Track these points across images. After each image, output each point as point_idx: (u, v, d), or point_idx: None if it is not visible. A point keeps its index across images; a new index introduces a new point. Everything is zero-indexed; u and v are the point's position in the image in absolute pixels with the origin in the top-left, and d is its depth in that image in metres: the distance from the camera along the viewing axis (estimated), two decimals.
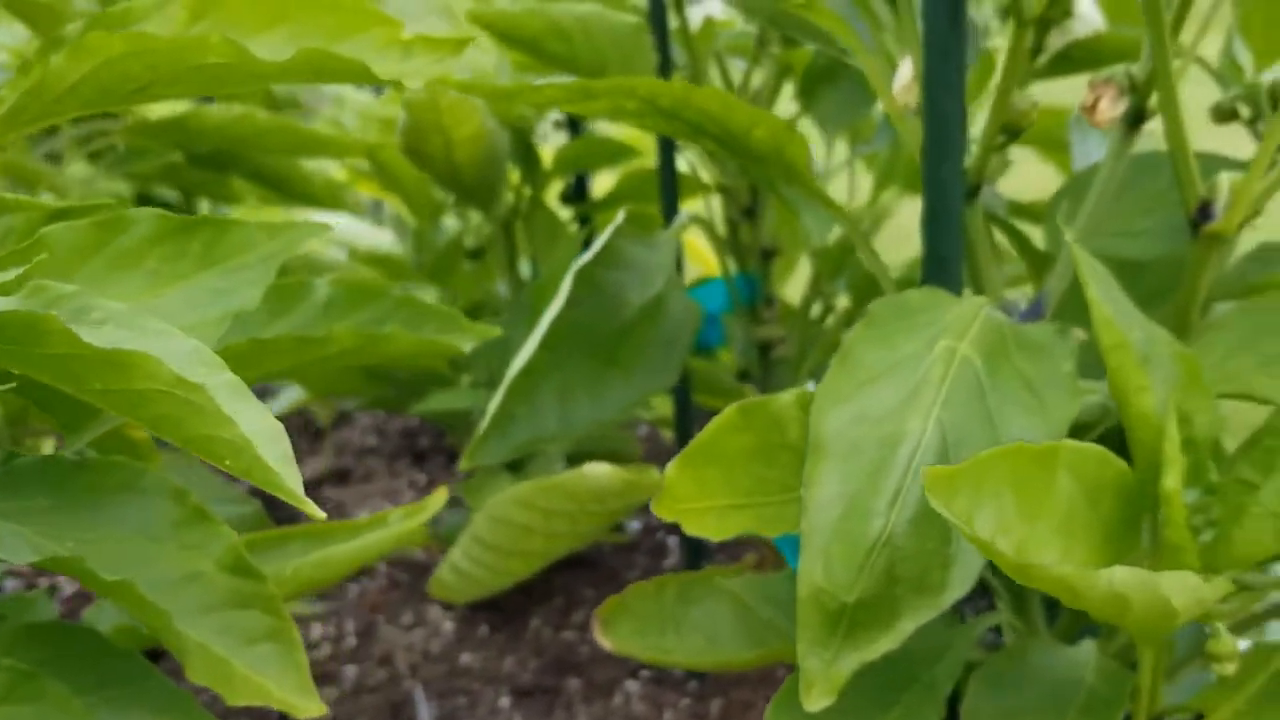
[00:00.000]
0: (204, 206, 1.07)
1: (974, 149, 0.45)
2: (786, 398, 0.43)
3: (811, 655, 0.35)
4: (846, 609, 0.35)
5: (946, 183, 0.43)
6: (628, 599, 0.52)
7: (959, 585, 0.34)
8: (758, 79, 0.77)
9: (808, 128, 0.82)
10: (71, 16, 0.63)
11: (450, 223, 0.96)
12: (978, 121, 0.48)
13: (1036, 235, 0.55)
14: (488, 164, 0.73)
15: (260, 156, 0.75)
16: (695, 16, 0.71)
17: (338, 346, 0.44)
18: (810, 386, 0.41)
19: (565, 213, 0.91)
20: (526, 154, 0.86)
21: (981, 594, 0.71)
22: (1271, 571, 0.44)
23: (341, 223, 1.04)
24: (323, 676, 0.83)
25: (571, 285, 0.57)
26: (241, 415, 0.26)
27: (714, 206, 0.79)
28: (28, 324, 0.27)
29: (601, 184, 0.96)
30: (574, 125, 0.89)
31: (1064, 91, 0.63)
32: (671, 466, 0.41)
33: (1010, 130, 0.44)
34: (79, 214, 0.39)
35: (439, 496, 0.53)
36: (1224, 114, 0.49)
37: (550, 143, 0.92)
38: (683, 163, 0.79)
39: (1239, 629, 0.51)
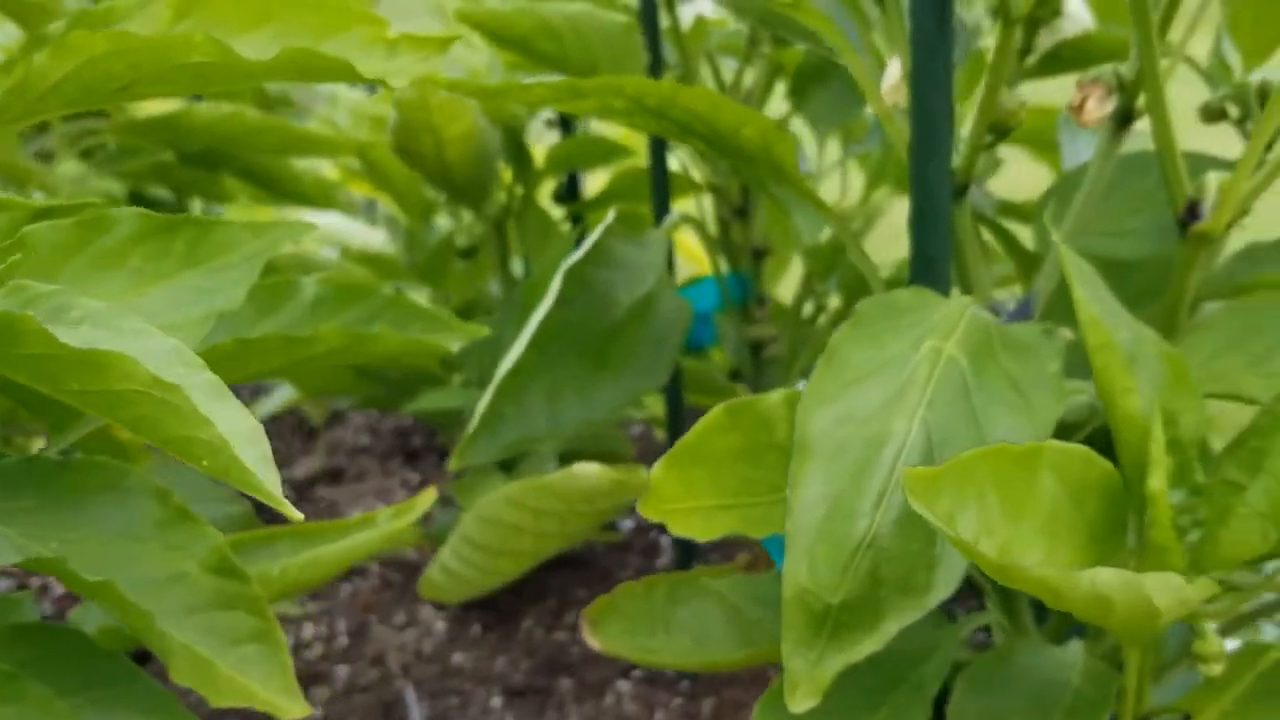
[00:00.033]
0: (196, 205, 1.07)
1: (962, 148, 0.45)
2: (774, 398, 0.43)
3: (796, 656, 0.35)
4: (831, 610, 0.35)
5: (933, 182, 0.42)
6: (616, 599, 0.52)
7: (944, 586, 0.34)
8: (749, 78, 0.77)
9: (800, 127, 0.82)
10: (62, 15, 0.63)
11: (443, 222, 0.96)
12: (968, 121, 0.48)
13: (1027, 235, 0.55)
14: (479, 163, 0.73)
15: (251, 155, 0.75)
16: (686, 16, 0.71)
17: (324, 346, 0.44)
18: (801, 386, 0.41)
19: (558, 212, 0.91)
20: (518, 153, 0.85)
21: (974, 594, 0.71)
22: (1264, 571, 0.44)
23: (334, 222, 1.03)
24: (314, 676, 0.83)
25: (561, 284, 0.57)
26: (219, 415, 0.26)
27: (705, 206, 0.79)
28: (4, 324, 0.27)
29: (595, 183, 0.96)
30: (566, 124, 0.89)
31: (1055, 91, 0.63)
32: (658, 467, 0.41)
33: (998, 130, 0.44)
34: (63, 213, 0.39)
35: (427, 497, 0.52)
36: (1213, 114, 0.49)
37: (544, 142, 0.91)
38: (675, 162, 0.79)
39: (1229, 629, 0.51)
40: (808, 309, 0.79)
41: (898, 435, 0.36)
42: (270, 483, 0.26)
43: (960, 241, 0.46)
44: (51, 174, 0.77)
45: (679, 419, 0.75)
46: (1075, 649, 0.43)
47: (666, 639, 0.52)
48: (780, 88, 0.79)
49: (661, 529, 1.02)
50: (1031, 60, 0.52)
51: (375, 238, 1.03)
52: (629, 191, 0.86)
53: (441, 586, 0.68)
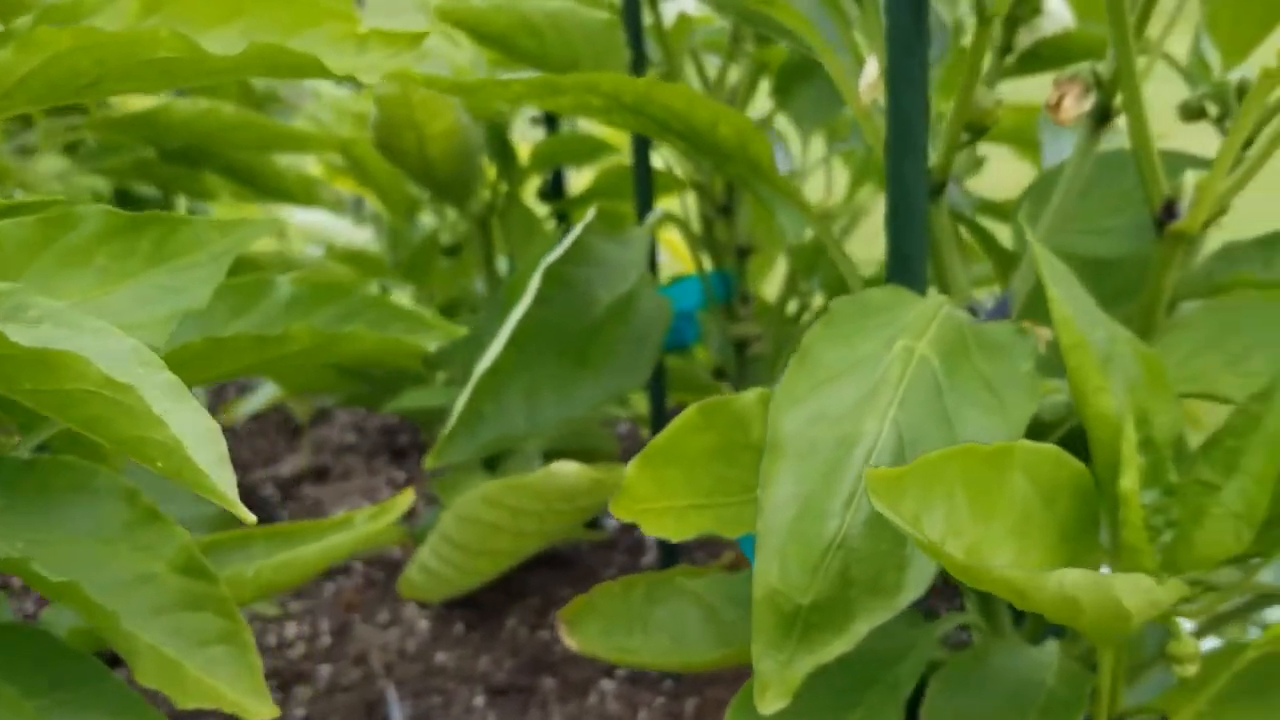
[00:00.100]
0: (181, 202, 1.06)
1: (938, 147, 0.45)
2: (749, 397, 0.43)
3: (766, 657, 0.34)
4: (801, 611, 0.34)
5: (909, 180, 0.42)
6: (594, 599, 0.51)
7: (914, 587, 0.34)
8: (734, 76, 0.76)
9: (785, 125, 0.82)
10: (34, 9, 0.63)
11: (428, 219, 0.96)
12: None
13: (1007, 234, 0.55)
14: (461, 159, 0.73)
15: (231, 152, 0.75)
16: (670, 13, 0.71)
17: (297, 345, 0.44)
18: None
19: (543, 209, 0.91)
20: (503, 150, 0.85)
21: (957, 592, 0.71)
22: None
23: (319, 219, 1.03)
24: (297, 676, 0.82)
25: (540, 283, 0.57)
26: (174, 416, 0.26)
27: (690, 203, 0.79)
28: None
29: (581, 181, 0.96)
30: (551, 121, 0.89)
31: (1039, 89, 0.63)
32: (631, 466, 0.40)
33: (975, 128, 0.44)
34: (29, 210, 0.38)
35: (404, 498, 0.52)
36: (1191, 112, 0.49)
37: (529, 139, 0.91)
38: (659, 160, 0.79)
39: (1209, 628, 0.51)
40: (792, 307, 0.79)
41: (869, 435, 0.36)
42: (224, 484, 0.25)
43: (937, 240, 0.45)
44: (31, 170, 0.76)
45: (662, 418, 0.75)
46: (1051, 649, 0.42)
47: (644, 639, 0.51)
48: (765, 85, 0.79)
49: None
50: (1011, 59, 0.52)
51: (360, 235, 1.03)
52: (614, 189, 0.86)
53: (421, 586, 0.68)
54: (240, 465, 1.13)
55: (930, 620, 0.47)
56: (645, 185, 0.72)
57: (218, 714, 0.38)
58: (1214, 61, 0.49)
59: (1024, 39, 0.51)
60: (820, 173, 0.81)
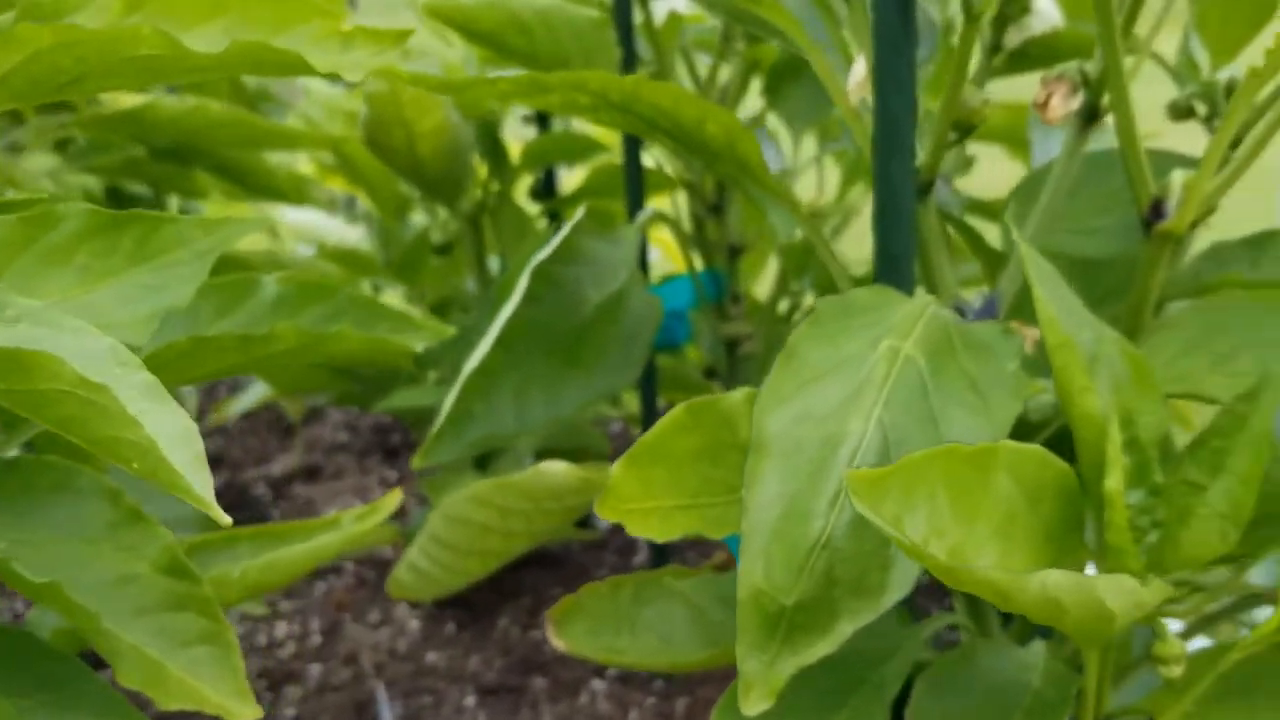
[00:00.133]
0: (174, 201, 1.06)
1: (926, 146, 0.45)
2: (736, 396, 0.43)
3: (750, 658, 0.34)
4: (786, 611, 0.34)
5: (896, 180, 0.42)
6: (582, 599, 0.51)
7: (898, 588, 0.34)
8: (725, 75, 0.76)
9: (776, 124, 0.81)
10: (16, 5, 0.62)
11: (419, 218, 0.96)
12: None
13: (996, 234, 0.55)
14: (451, 158, 0.73)
15: (221, 150, 0.75)
16: (660, 11, 0.71)
17: (282, 345, 0.44)
18: None
19: (535, 208, 0.91)
20: (494, 148, 0.85)
21: (945, 593, 0.71)
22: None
23: (311, 218, 1.03)
24: (287, 675, 0.82)
25: (529, 282, 0.57)
26: (151, 416, 0.26)
27: (681, 202, 0.79)
28: None
29: (574, 180, 0.95)
30: (543, 120, 0.88)
31: (1032, 88, 0.63)
32: (616, 466, 0.40)
33: (962, 127, 0.44)
34: (11, 208, 0.38)
35: (392, 497, 0.52)
36: (1180, 112, 0.49)
37: (522, 138, 0.91)
38: (651, 159, 0.79)
39: (1199, 628, 0.51)
40: (783, 306, 0.79)
41: (853, 435, 0.35)
42: (200, 485, 0.25)
43: (925, 240, 0.45)
44: (20, 168, 0.76)
45: (653, 417, 0.75)
46: (1038, 650, 0.42)
47: (632, 639, 0.51)
48: (757, 84, 0.79)
49: None
50: (1000, 58, 0.52)
51: (353, 234, 1.02)
52: (606, 188, 0.86)
53: (409, 586, 0.68)
54: (232, 464, 1.13)
55: (918, 621, 0.47)
56: (636, 184, 0.71)
57: (200, 716, 0.37)
58: (1202, 61, 0.49)
59: (1013, 38, 0.51)
60: (812, 172, 0.81)
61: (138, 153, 0.81)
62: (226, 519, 0.26)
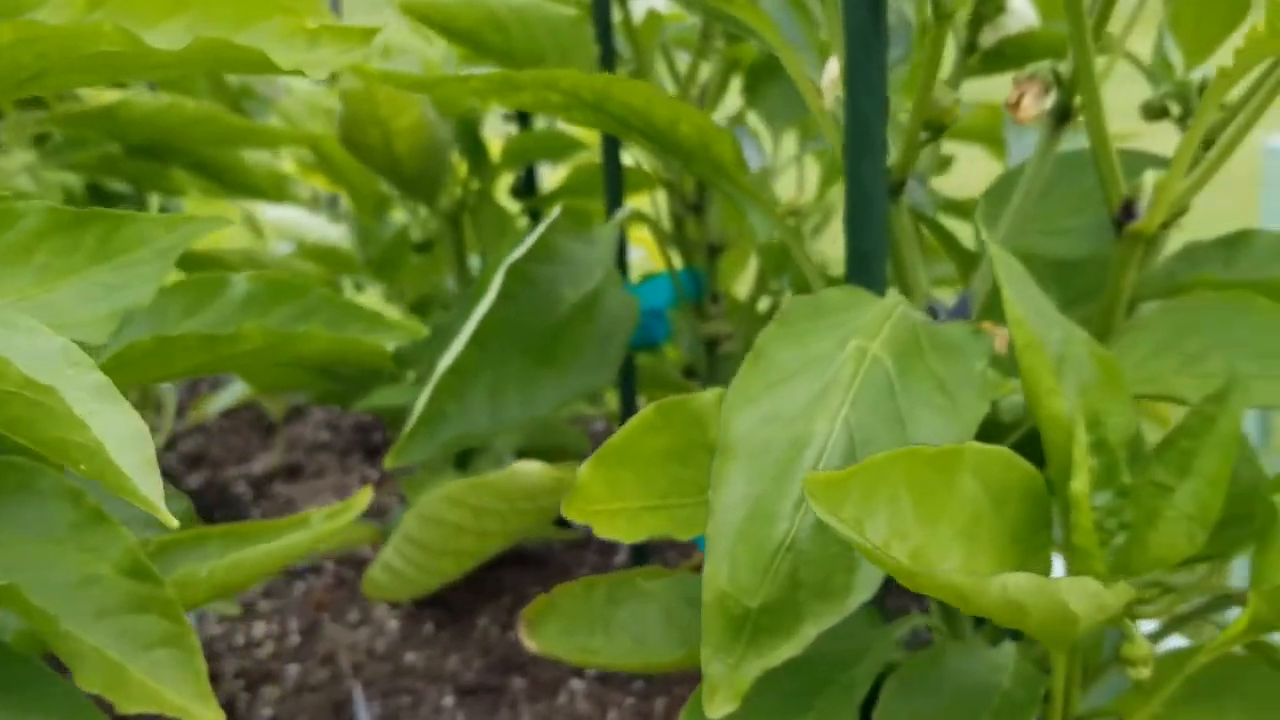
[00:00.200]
0: (154, 199, 1.05)
1: (897, 145, 0.45)
2: (707, 396, 0.43)
3: (715, 661, 0.34)
4: (750, 614, 0.34)
5: (867, 180, 0.42)
6: (555, 599, 0.51)
7: (863, 590, 0.34)
8: (705, 74, 0.76)
9: (756, 123, 0.81)
10: None
11: (400, 216, 0.95)
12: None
13: (971, 234, 0.55)
14: (429, 156, 0.72)
15: (198, 148, 0.74)
16: (638, 9, 0.70)
17: (249, 345, 0.43)
18: None
19: (516, 206, 0.90)
20: (474, 146, 0.85)
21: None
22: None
23: (292, 216, 1.02)
24: (264, 675, 0.82)
25: (503, 281, 0.57)
26: (100, 418, 0.25)
27: (661, 201, 0.79)
28: None
29: (556, 178, 0.95)
30: (524, 117, 0.88)
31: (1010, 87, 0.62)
32: (584, 467, 0.40)
33: (933, 127, 0.44)
34: None
35: (362, 496, 0.52)
36: (1154, 112, 0.49)
37: (504, 135, 0.90)
38: (631, 158, 0.79)
39: (1172, 629, 0.51)
40: (763, 305, 0.79)
41: (819, 436, 0.35)
42: (148, 488, 0.25)
43: (897, 240, 0.45)
44: None
45: (632, 416, 0.74)
46: (1008, 651, 0.42)
47: (606, 640, 0.51)
48: (738, 83, 0.79)
49: None
50: (976, 57, 0.52)
51: (334, 232, 1.02)
52: (587, 186, 0.85)
53: (384, 585, 0.68)
54: (212, 463, 1.12)
55: (891, 621, 0.46)
56: (615, 182, 0.71)
57: (161, 719, 0.37)
58: (1177, 61, 0.49)
59: (988, 37, 0.51)
60: (792, 171, 0.81)
61: (113, 150, 0.80)
62: (173, 521, 0.25)
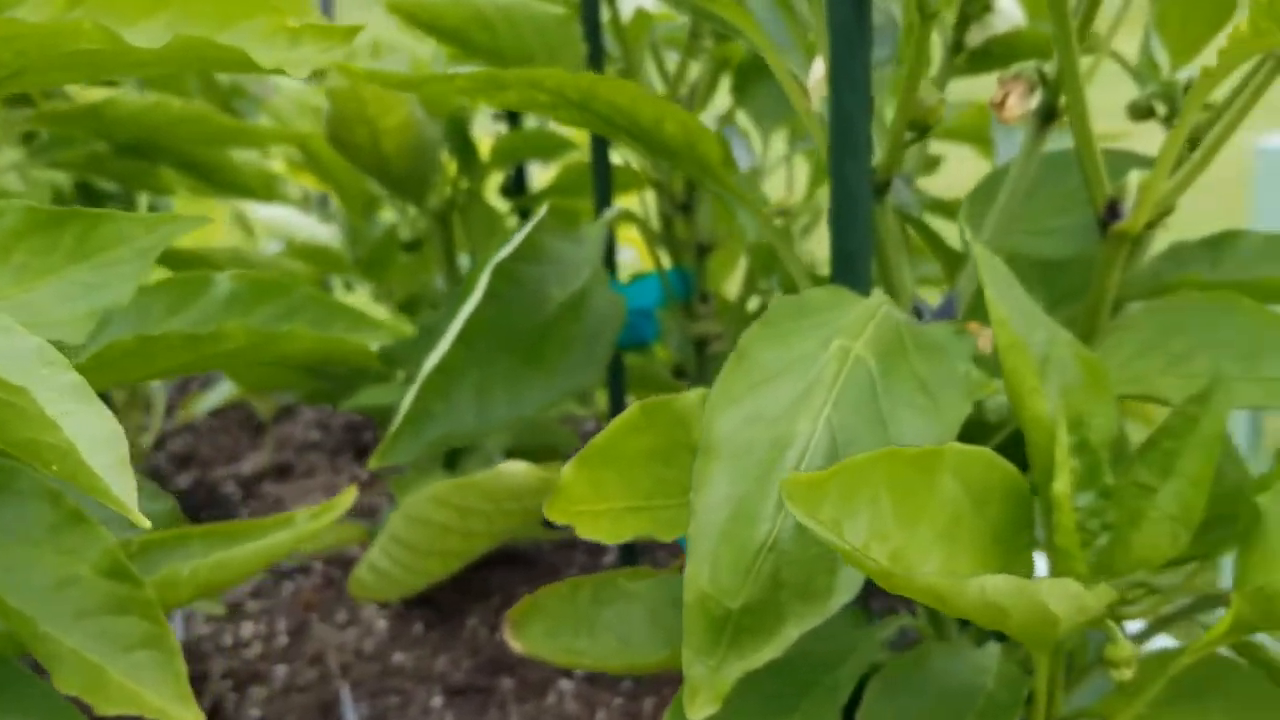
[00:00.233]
0: (143, 198, 1.05)
1: (882, 145, 0.45)
2: (691, 397, 0.42)
3: (696, 663, 0.34)
4: (732, 615, 0.34)
5: (852, 180, 0.42)
6: (540, 600, 0.51)
7: (845, 591, 0.34)
8: (695, 73, 0.76)
9: (747, 122, 0.81)
10: None
11: (390, 215, 0.95)
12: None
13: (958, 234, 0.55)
14: (417, 155, 0.72)
15: (185, 146, 0.74)
16: (627, 8, 0.70)
17: (231, 344, 0.43)
18: None
19: (506, 205, 0.90)
20: (464, 145, 0.84)
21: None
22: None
23: (282, 215, 1.02)
24: (252, 676, 0.81)
25: (489, 280, 0.56)
26: (73, 418, 0.25)
27: (650, 201, 0.78)
28: None
29: (547, 177, 0.95)
30: (514, 116, 0.88)
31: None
32: (567, 467, 0.40)
33: (918, 127, 0.43)
34: None
35: (347, 496, 0.51)
36: (1140, 112, 0.49)
37: (494, 135, 0.90)
38: (621, 157, 0.78)
39: (1159, 628, 0.51)
40: (752, 305, 0.79)
41: (802, 437, 0.35)
42: (120, 489, 0.25)
43: (882, 240, 0.45)
44: None
45: None
46: (992, 652, 0.42)
47: (591, 641, 0.51)
48: (728, 83, 0.79)
49: None
50: (963, 57, 0.52)
51: (324, 231, 1.02)
52: (577, 185, 0.85)
53: (370, 586, 0.67)
54: (201, 463, 1.12)
55: (875, 621, 0.46)
56: (604, 181, 0.71)
57: None
58: (1163, 61, 0.49)
59: (975, 37, 0.51)
60: (782, 170, 0.81)
61: (101, 148, 0.80)
62: (145, 522, 0.25)
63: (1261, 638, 0.42)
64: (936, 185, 0.74)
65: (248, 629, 0.86)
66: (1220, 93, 0.45)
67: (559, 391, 0.59)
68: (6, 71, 0.37)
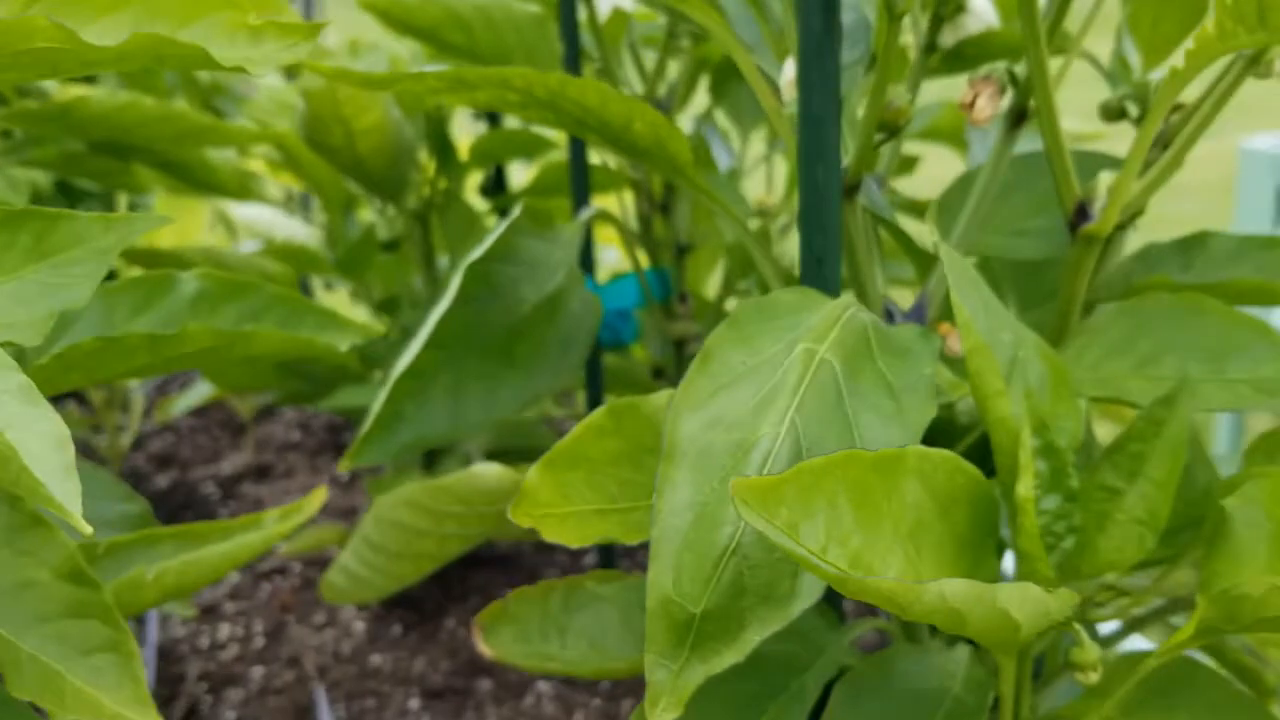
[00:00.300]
0: (122, 197, 1.04)
1: (852, 147, 0.44)
2: (659, 399, 0.42)
3: (659, 668, 0.34)
4: (694, 620, 0.34)
5: (821, 182, 0.42)
6: (510, 605, 0.50)
7: (807, 595, 0.33)
8: (674, 73, 0.76)
9: (726, 122, 0.81)
10: None
11: (369, 215, 0.95)
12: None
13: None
14: (393, 154, 0.72)
15: (160, 145, 0.73)
16: (604, 7, 0.70)
17: (194, 345, 0.43)
18: None
19: (485, 205, 0.90)
20: (442, 145, 0.84)
21: None
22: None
23: (262, 214, 1.01)
24: (228, 678, 0.81)
25: (462, 281, 0.56)
26: (18, 422, 0.25)
27: (628, 201, 0.78)
28: None
29: (528, 176, 0.95)
30: (494, 116, 0.88)
31: None
32: (533, 470, 0.40)
33: (888, 128, 0.43)
34: None
35: (317, 498, 0.51)
36: (1112, 112, 0.49)
37: (474, 134, 0.90)
38: (600, 157, 0.78)
39: (1132, 629, 0.51)
40: (730, 306, 0.78)
41: (766, 440, 0.35)
42: (64, 495, 0.24)
43: (852, 242, 0.45)
44: None
45: None
46: (960, 656, 0.42)
47: (562, 645, 0.51)
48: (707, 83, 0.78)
49: None
50: (936, 58, 0.52)
51: (304, 230, 1.01)
52: (556, 185, 0.85)
53: (342, 589, 0.67)
54: (180, 463, 1.11)
55: (847, 624, 0.46)
56: (581, 181, 0.71)
57: None
58: (1135, 62, 0.49)
59: (948, 38, 0.50)
60: (762, 170, 0.81)
61: (76, 147, 0.79)
62: (86, 528, 0.25)
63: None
64: (915, 186, 0.74)
65: (224, 630, 0.86)
66: (1192, 93, 0.45)
67: (534, 393, 0.59)
68: None
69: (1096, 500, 0.37)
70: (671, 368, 0.78)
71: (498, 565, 0.91)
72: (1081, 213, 0.43)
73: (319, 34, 0.39)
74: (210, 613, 0.88)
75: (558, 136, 0.84)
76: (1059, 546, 0.37)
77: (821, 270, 0.43)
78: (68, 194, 0.96)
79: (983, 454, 0.40)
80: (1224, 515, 0.37)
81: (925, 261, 0.49)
